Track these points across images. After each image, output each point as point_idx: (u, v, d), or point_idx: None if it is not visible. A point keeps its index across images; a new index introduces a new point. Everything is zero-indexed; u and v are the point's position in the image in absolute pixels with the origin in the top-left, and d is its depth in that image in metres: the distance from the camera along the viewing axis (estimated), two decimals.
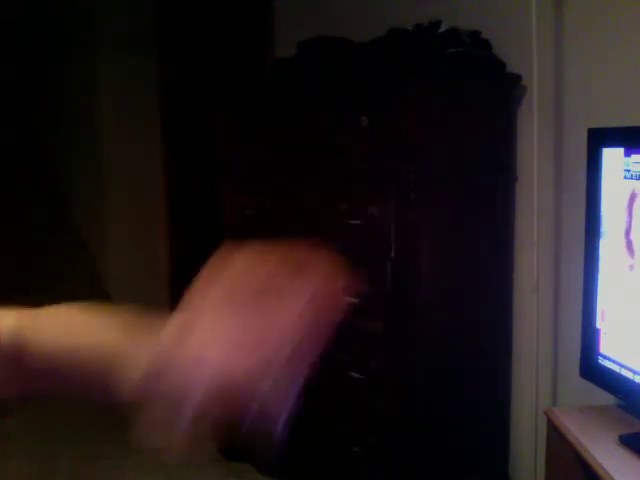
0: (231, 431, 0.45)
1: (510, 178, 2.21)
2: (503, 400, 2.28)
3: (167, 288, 4.10)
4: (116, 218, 3.87)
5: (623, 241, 1.60)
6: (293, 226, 2.30)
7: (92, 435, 2.90)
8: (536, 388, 2.20)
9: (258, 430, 0.45)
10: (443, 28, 2.09)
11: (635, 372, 1.59)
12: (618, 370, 1.64)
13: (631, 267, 1.59)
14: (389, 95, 1.96)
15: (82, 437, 2.88)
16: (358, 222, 2.03)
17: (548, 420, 1.79)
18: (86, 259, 3.99)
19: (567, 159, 2.09)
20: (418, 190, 1.91)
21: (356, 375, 2.09)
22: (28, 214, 4.01)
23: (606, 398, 1.78)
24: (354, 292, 0.48)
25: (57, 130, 4.19)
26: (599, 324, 1.71)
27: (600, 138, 1.67)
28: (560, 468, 1.75)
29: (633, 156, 1.57)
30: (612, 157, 1.63)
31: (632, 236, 1.58)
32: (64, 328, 0.52)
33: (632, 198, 1.57)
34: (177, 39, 3.91)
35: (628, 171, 1.58)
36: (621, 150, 1.60)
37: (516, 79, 2.15)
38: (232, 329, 0.45)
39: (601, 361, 1.71)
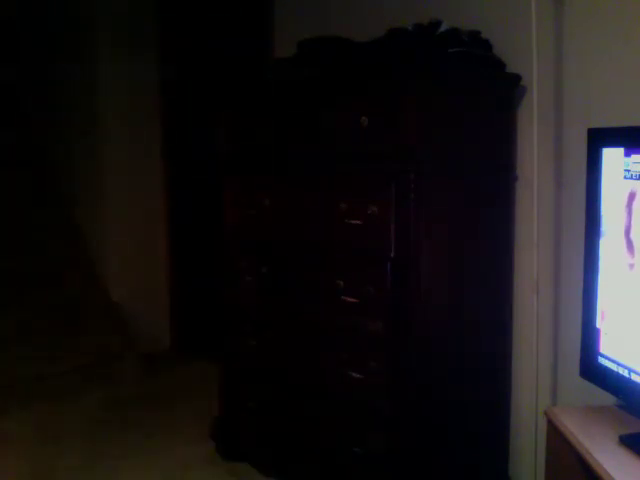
0: None
1: (510, 178, 2.21)
2: (503, 400, 2.28)
3: (167, 288, 4.10)
4: (116, 218, 3.87)
5: (623, 240, 1.60)
6: (293, 226, 2.30)
7: (92, 435, 2.90)
8: (536, 388, 2.20)
9: None
10: (443, 28, 2.09)
11: (635, 372, 1.59)
12: (618, 370, 1.64)
13: (631, 266, 1.59)
14: (389, 95, 1.95)
15: (82, 437, 2.88)
16: (358, 222, 2.03)
17: (548, 420, 1.79)
18: (86, 259, 3.98)
19: (567, 159, 2.09)
20: (418, 190, 1.91)
21: (356, 375, 2.09)
22: (28, 215, 4.01)
23: (606, 398, 1.78)
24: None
25: (57, 130, 4.19)
26: (599, 324, 1.71)
27: (600, 138, 1.67)
28: (560, 468, 1.75)
29: (633, 156, 1.57)
30: (612, 157, 1.63)
31: (632, 235, 1.58)
32: None
33: (631, 197, 1.57)
34: (177, 39, 3.91)
35: (628, 171, 1.58)
36: (621, 150, 1.60)
37: (516, 79, 2.15)
38: None
39: (601, 361, 1.71)
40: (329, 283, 2.14)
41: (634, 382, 1.59)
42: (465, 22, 2.16)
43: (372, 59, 2.09)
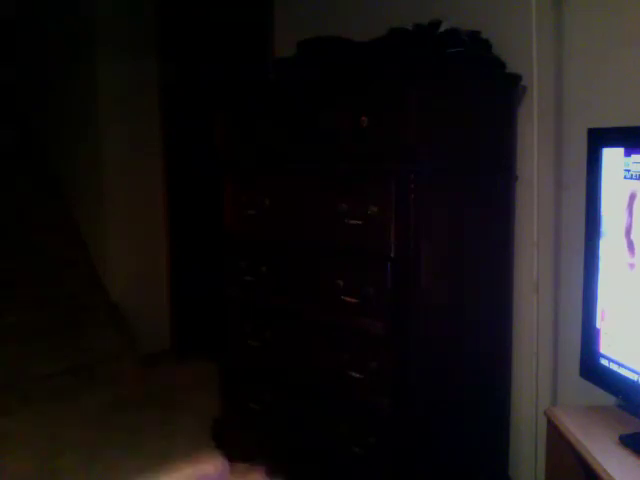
0: None
1: (510, 178, 2.21)
2: (503, 400, 2.29)
3: (167, 288, 4.10)
4: (116, 218, 3.87)
5: (623, 240, 1.60)
6: (293, 226, 2.30)
7: (91, 435, 2.90)
8: (536, 388, 2.20)
9: None
10: (443, 28, 2.09)
11: (635, 372, 1.59)
12: (618, 370, 1.64)
13: (631, 266, 1.59)
14: (389, 95, 1.95)
15: (81, 437, 2.88)
16: (358, 222, 2.03)
17: (548, 420, 1.79)
18: (86, 259, 3.98)
19: (567, 159, 2.09)
20: (418, 190, 1.91)
21: (356, 375, 2.09)
22: (28, 214, 4.01)
23: (606, 398, 1.78)
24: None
25: (57, 130, 4.19)
26: (599, 324, 1.71)
27: (600, 138, 1.68)
28: (560, 468, 1.75)
29: (633, 156, 1.57)
30: (612, 157, 1.63)
31: (632, 236, 1.58)
32: None
33: (632, 198, 1.57)
34: (177, 39, 3.91)
35: (628, 171, 1.58)
36: (621, 150, 1.60)
37: (516, 79, 2.15)
38: None
39: (601, 361, 1.71)
40: (329, 283, 2.14)
41: (634, 382, 1.59)
42: (465, 22, 2.16)
43: (372, 59, 2.09)
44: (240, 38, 3.57)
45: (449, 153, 2.01)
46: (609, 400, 1.79)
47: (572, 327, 1.90)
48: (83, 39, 3.84)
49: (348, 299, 2.09)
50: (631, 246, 1.58)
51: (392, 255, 1.97)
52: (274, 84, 2.46)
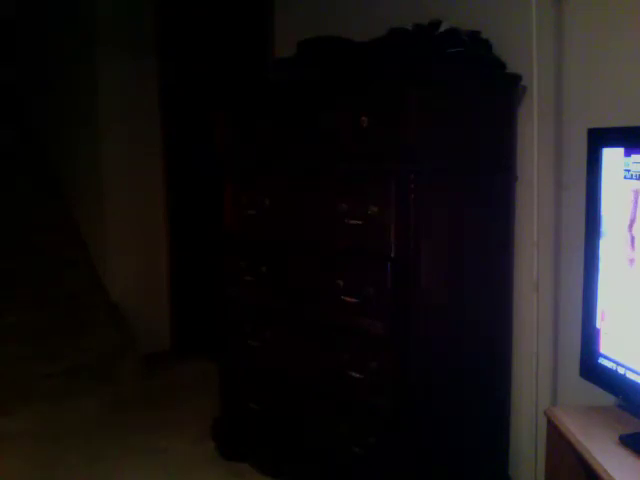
0: None
1: (510, 178, 2.21)
2: (503, 400, 2.29)
3: (167, 288, 4.10)
4: (116, 218, 3.87)
5: (627, 234, 1.59)
6: (293, 226, 2.30)
7: (92, 435, 2.90)
8: (536, 388, 2.20)
9: None
10: (443, 28, 2.09)
11: (635, 372, 1.59)
12: (618, 370, 1.64)
13: (631, 261, 1.59)
14: (389, 95, 1.96)
15: (82, 437, 2.88)
16: (358, 222, 2.03)
17: (548, 420, 1.79)
18: (86, 259, 3.98)
19: (567, 159, 2.09)
20: (418, 190, 1.91)
21: (356, 375, 2.09)
22: (28, 214, 4.01)
23: (606, 398, 1.78)
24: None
25: (57, 130, 4.19)
26: (599, 324, 1.71)
27: (600, 138, 1.68)
28: (560, 468, 1.75)
29: (633, 156, 1.57)
30: (612, 157, 1.63)
31: (634, 230, 1.58)
32: None
33: (636, 193, 1.57)
34: (177, 39, 3.91)
35: (628, 171, 1.58)
36: (621, 150, 1.60)
37: (516, 79, 2.15)
38: None
39: (601, 361, 1.71)
40: (329, 283, 2.14)
41: (634, 382, 1.59)
42: (465, 22, 2.16)
43: (372, 59, 2.09)
44: (240, 38, 3.57)
45: (449, 153, 2.01)
46: (609, 400, 1.79)
47: (572, 327, 1.90)
48: (83, 39, 3.84)
49: (348, 299, 2.09)
50: (633, 241, 1.58)
51: (392, 255, 1.97)
52: (274, 84, 2.46)
